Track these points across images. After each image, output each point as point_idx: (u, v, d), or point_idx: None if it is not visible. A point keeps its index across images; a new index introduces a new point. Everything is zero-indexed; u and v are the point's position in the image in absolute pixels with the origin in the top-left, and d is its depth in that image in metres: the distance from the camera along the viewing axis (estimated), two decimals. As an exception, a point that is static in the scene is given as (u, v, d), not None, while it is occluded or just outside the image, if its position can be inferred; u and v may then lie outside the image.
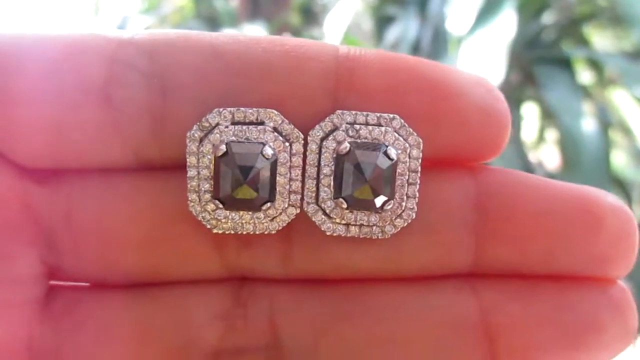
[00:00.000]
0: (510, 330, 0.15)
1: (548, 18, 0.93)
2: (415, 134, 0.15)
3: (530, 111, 0.97)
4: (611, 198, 0.15)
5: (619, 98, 0.97)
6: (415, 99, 0.15)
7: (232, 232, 0.15)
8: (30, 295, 0.15)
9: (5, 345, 0.15)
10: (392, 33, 0.93)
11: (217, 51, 0.15)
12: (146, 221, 0.15)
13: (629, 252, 0.15)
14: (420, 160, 0.15)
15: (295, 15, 1.34)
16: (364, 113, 0.15)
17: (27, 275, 0.15)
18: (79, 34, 0.15)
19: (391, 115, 0.15)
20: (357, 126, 0.15)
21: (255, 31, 1.01)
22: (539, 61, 0.83)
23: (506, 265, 0.16)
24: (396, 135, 0.15)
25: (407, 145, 0.15)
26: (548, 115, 0.91)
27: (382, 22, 1.01)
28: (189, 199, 0.15)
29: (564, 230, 0.15)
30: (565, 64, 0.80)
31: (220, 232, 0.15)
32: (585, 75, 0.96)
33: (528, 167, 0.81)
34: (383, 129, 0.15)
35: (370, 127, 0.15)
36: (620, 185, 0.82)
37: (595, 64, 0.89)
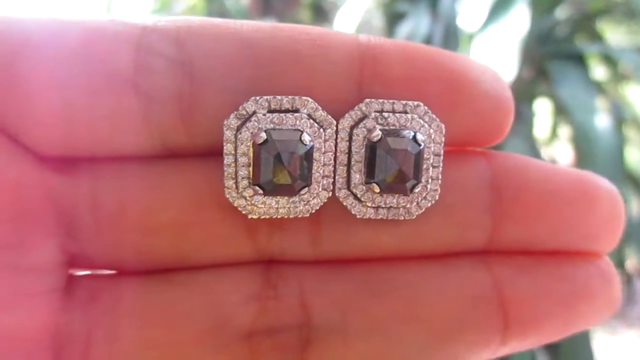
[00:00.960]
0: (520, 302, 0.16)
1: (561, 13, 0.92)
2: (437, 119, 0.16)
3: (542, 107, 0.96)
4: (605, 182, 0.17)
5: (633, 93, 0.96)
6: (435, 87, 0.15)
7: (267, 217, 0.15)
8: (51, 283, 0.15)
9: (28, 334, 0.15)
10: (403, 30, 0.92)
11: (242, 39, 0.15)
12: (173, 207, 0.16)
13: (617, 230, 0.17)
14: (442, 145, 0.16)
15: (306, 12, 1.34)
16: (390, 101, 0.15)
17: (48, 264, 0.15)
18: (103, 20, 0.15)
19: (415, 103, 0.15)
20: (385, 114, 0.15)
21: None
22: (551, 57, 0.82)
23: (515, 242, 0.17)
24: (421, 121, 0.15)
25: (431, 130, 0.16)
26: (561, 112, 0.90)
27: (393, 18, 1.01)
28: (226, 185, 0.15)
29: (565, 210, 0.16)
30: (579, 60, 0.79)
31: (255, 217, 0.15)
32: (598, 71, 0.95)
33: (541, 164, 0.80)
34: (409, 116, 0.15)
35: (397, 115, 0.15)
36: (634, 182, 0.81)
37: (609, 60, 0.88)
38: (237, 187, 0.15)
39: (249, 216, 0.15)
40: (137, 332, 0.16)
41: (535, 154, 0.80)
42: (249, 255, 0.16)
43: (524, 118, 0.82)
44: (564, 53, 0.82)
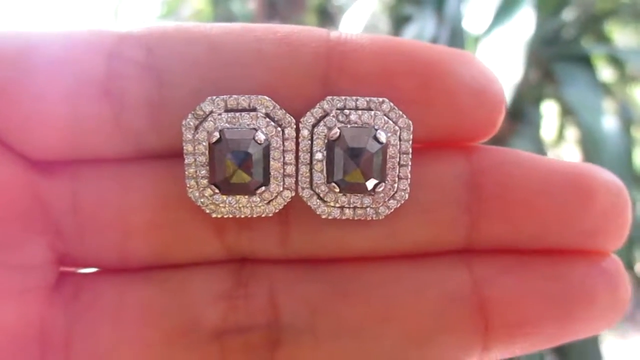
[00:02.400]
0: (502, 303, 0.16)
1: (567, 14, 0.92)
2: (405, 116, 0.15)
3: (549, 109, 0.96)
4: (604, 174, 0.16)
5: (640, 95, 0.95)
6: (406, 82, 0.15)
7: (230, 216, 0.16)
8: (41, 281, 0.16)
9: (19, 329, 0.15)
10: (409, 33, 0.92)
11: (210, 42, 0.15)
12: (148, 208, 0.16)
13: (621, 225, 0.16)
14: (410, 142, 0.15)
15: (312, 16, 1.34)
16: (354, 98, 0.15)
17: (38, 262, 0.16)
18: (80, 31, 0.15)
19: (380, 99, 0.15)
20: (347, 111, 0.15)
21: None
22: (558, 58, 0.82)
23: (500, 241, 0.16)
24: (385, 118, 0.15)
25: (397, 127, 0.15)
26: (568, 114, 0.90)
27: (399, 22, 1.01)
28: (188, 185, 0.15)
29: (555, 206, 0.15)
30: (586, 61, 0.79)
31: (219, 216, 0.16)
32: (605, 73, 0.94)
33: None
34: (372, 113, 0.15)
35: (360, 112, 0.15)
36: (642, 184, 0.80)
37: (616, 61, 0.88)
38: (198, 186, 0.15)
39: (212, 215, 0.16)
40: (113, 330, 0.16)
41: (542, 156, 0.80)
42: (219, 254, 0.16)
43: (530, 120, 0.81)
44: (570, 55, 0.81)
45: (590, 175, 0.15)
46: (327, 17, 1.32)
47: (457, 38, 0.83)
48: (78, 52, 0.15)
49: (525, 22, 0.72)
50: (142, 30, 0.15)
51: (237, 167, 0.15)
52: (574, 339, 0.16)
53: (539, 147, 0.80)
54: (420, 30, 0.87)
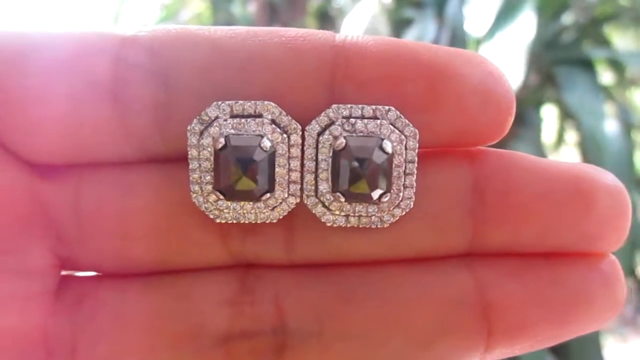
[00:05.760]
0: (505, 307, 0.16)
1: (568, 18, 0.92)
2: (411, 125, 0.15)
3: (549, 113, 0.96)
4: (606, 176, 0.15)
5: (641, 98, 0.95)
6: (413, 87, 0.15)
7: (234, 221, 0.15)
8: (43, 286, 0.16)
9: (22, 336, 0.15)
10: (410, 36, 0.92)
11: (215, 45, 0.15)
12: (152, 213, 0.16)
13: (621, 228, 0.16)
14: (416, 151, 0.15)
15: (312, 19, 1.34)
16: (360, 106, 0.15)
17: (39, 267, 0.16)
18: (85, 33, 0.15)
19: (387, 108, 0.15)
20: (353, 120, 0.15)
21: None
22: (558, 62, 0.82)
23: (502, 245, 0.16)
24: (392, 127, 0.15)
25: (403, 136, 0.15)
26: (568, 117, 0.90)
27: (399, 25, 1.01)
28: (192, 190, 0.15)
29: (557, 210, 0.15)
30: (586, 65, 0.79)
31: (222, 221, 0.15)
32: (606, 76, 0.94)
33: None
34: (379, 122, 0.15)
35: (365, 121, 0.15)
36: (644, 187, 0.80)
37: (616, 65, 0.88)
38: (202, 192, 0.15)
39: (216, 220, 0.15)
40: (119, 336, 0.16)
41: (543, 159, 0.80)
42: (223, 260, 0.16)
43: (531, 123, 0.82)
44: (571, 58, 0.82)
45: (591, 177, 0.15)
46: (327, 20, 1.32)
47: (457, 42, 0.83)
48: (84, 55, 0.15)
49: (525, 26, 0.73)
50: (147, 34, 0.15)
51: (242, 173, 0.15)
52: (570, 338, 0.16)
53: (539, 151, 0.80)
54: (421, 34, 0.87)
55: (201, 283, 0.16)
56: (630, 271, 0.77)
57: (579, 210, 0.15)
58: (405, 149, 0.15)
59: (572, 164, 0.16)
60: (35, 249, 0.16)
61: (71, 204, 0.16)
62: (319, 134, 0.15)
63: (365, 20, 0.99)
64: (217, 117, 0.15)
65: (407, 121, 0.15)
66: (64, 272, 0.17)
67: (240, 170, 0.15)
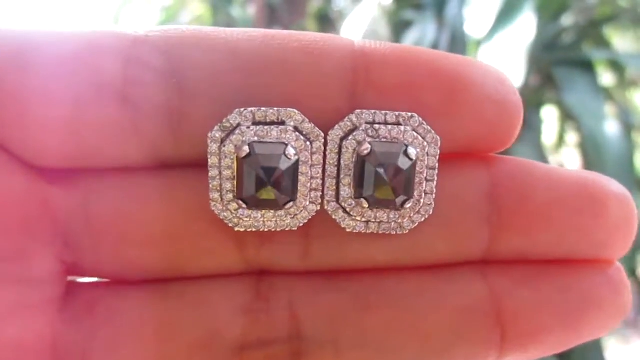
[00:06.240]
0: (518, 314, 0.16)
1: (568, 20, 0.92)
2: (433, 131, 0.15)
3: (550, 114, 0.96)
4: (615, 185, 0.16)
5: (641, 99, 0.95)
6: (432, 95, 0.15)
7: (254, 229, 0.15)
8: (49, 294, 0.15)
9: (28, 344, 0.15)
10: (410, 38, 0.92)
11: (232, 49, 0.15)
12: (163, 219, 0.15)
13: (629, 236, 0.16)
14: (437, 157, 0.15)
15: (312, 22, 1.34)
16: (383, 112, 0.15)
17: (46, 274, 0.15)
18: (94, 32, 0.15)
19: (409, 114, 0.15)
20: (377, 126, 0.15)
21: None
22: (558, 63, 0.82)
23: (516, 253, 0.16)
24: (415, 134, 0.15)
25: (425, 143, 0.15)
26: (568, 118, 0.90)
27: (399, 27, 1.01)
28: (211, 198, 0.15)
29: (570, 217, 0.16)
30: (586, 66, 0.79)
31: (242, 230, 0.15)
32: (606, 77, 0.94)
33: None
34: (402, 128, 0.15)
35: (389, 127, 0.15)
36: (644, 188, 0.80)
37: (616, 66, 0.88)
38: (222, 200, 0.15)
39: (236, 229, 0.15)
40: (133, 345, 0.16)
41: (543, 161, 0.80)
42: (238, 267, 0.16)
43: (531, 125, 0.81)
44: (571, 60, 0.82)
45: (601, 186, 0.16)
46: (327, 22, 1.33)
47: (457, 43, 0.83)
48: (90, 54, 0.14)
49: (525, 27, 0.73)
50: (159, 34, 0.15)
51: (267, 183, 0.14)
52: (579, 343, 0.16)
53: (540, 152, 0.80)
54: (421, 36, 0.87)
55: (215, 291, 0.16)
56: (631, 272, 0.77)
57: (592, 217, 0.16)
58: (427, 155, 0.15)
59: (579, 171, 0.16)
60: (41, 255, 0.15)
61: (80, 210, 0.15)
62: (342, 139, 0.15)
63: (365, 22, 0.99)
64: (239, 125, 0.14)
65: (429, 128, 0.15)
66: (71, 279, 0.16)
67: (265, 180, 0.14)
